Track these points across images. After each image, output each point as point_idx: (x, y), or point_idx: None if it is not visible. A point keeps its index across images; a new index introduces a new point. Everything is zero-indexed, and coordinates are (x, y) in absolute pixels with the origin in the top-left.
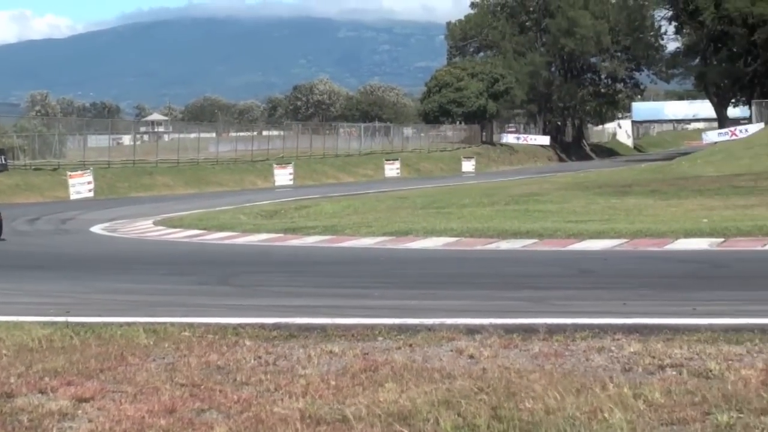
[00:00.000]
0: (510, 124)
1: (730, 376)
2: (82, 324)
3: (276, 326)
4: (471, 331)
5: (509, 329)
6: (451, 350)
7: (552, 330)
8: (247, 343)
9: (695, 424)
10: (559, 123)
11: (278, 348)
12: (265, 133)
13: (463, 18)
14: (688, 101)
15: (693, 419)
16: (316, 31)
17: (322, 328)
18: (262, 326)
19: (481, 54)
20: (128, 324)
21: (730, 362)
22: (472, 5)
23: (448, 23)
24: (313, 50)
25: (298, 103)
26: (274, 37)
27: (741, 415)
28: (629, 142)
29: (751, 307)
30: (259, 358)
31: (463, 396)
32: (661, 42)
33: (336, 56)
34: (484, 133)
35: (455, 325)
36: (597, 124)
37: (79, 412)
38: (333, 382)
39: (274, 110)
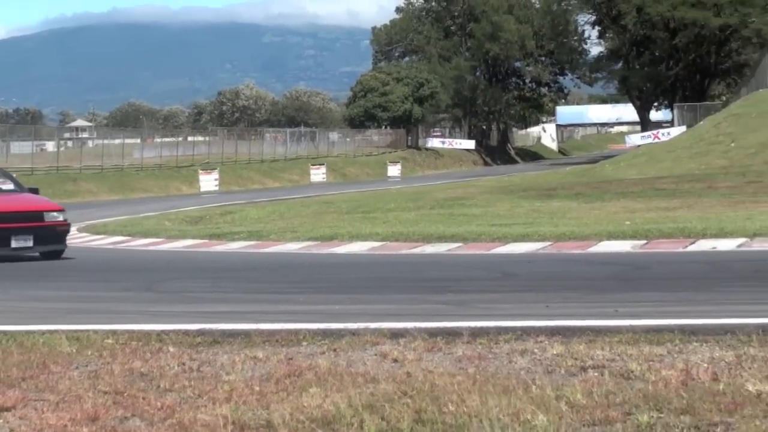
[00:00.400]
0: (435, 129)
1: (651, 377)
2: (4, 332)
3: (200, 332)
4: (395, 335)
5: (433, 333)
6: (375, 354)
7: (475, 333)
8: (171, 349)
9: (616, 425)
10: (484, 127)
11: (202, 354)
12: (190, 138)
13: (388, 23)
14: (612, 105)
15: (614, 420)
16: (241, 36)
17: (247, 334)
18: (186, 332)
19: (407, 59)
20: (51, 332)
21: (650, 363)
22: (398, 10)
23: (374, 28)
24: (239, 55)
25: (224, 108)
26: (198, 42)
27: (661, 415)
28: (554, 146)
29: (671, 308)
30: (183, 364)
31: (387, 400)
32: (585, 46)
33: (261, 61)
34: (409, 138)
35: (379, 330)
36: (522, 128)
37: (0, 421)
38: (257, 388)
39: (199, 116)
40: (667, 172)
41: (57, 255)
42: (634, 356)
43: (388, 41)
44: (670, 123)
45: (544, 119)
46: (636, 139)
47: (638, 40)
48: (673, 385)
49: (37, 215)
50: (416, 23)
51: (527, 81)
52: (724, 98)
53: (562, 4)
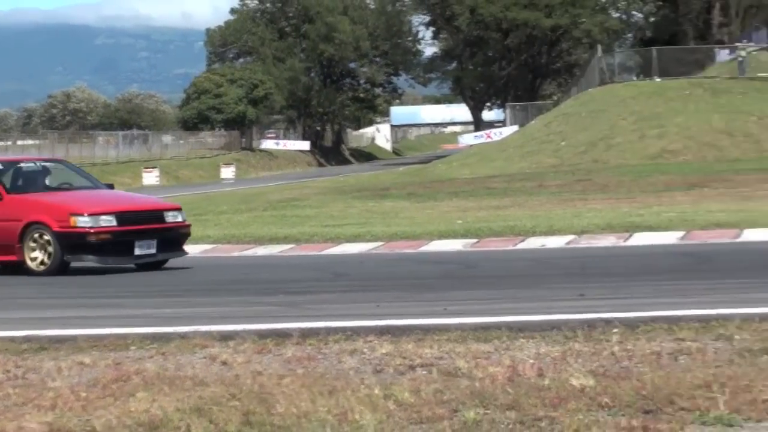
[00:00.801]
0: (270, 130)
1: (478, 374)
2: None
3: (26, 339)
4: (225, 337)
5: (263, 335)
6: (205, 357)
7: (305, 334)
8: None
9: (443, 422)
10: (318, 128)
11: (28, 361)
12: (20, 142)
13: (222, 24)
14: (446, 105)
15: (441, 417)
16: (73, 38)
17: (74, 340)
18: (12, 339)
19: (241, 60)
20: None
21: (478, 360)
22: (232, 11)
23: (208, 29)
24: (70, 58)
25: (54, 111)
26: (28, 44)
27: (487, 411)
28: (388, 146)
29: (500, 305)
30: (8, 371)
31: (215, 403)
32: (419, 47)
33: (93, 64)
34: (243, 140)
35: (209, 333)
36: (356, 129)
37: None
38: (83, 394)
39: (29, 119)
40: (499, 171)
41: (159, 266)
42: (461, 354)
43: (223, 43)
44: (503, 123)
45: (379, 120)
46: (469, 138)
47: (471, 40)
48: (499, 381)
49: (158, 215)
50: (251, 24)
51: (362, 82)
52: (555, 98)
53: (397, 5)
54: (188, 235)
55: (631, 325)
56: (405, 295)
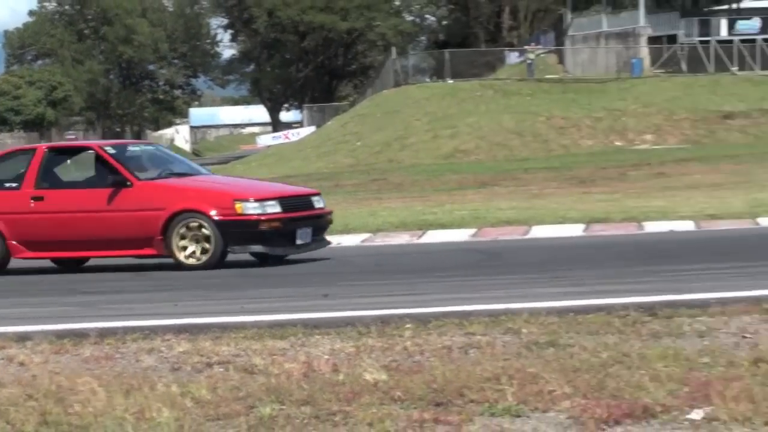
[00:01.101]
0: (70, 132)
1: (274, 370)
2: None
3: None
4: (22, 338)
5: (61, 335)
6: (1, 359)
7: (103, 333)
8: None
9: (240, 418)
10: (118, 129)
11: None
12: None
13: (21, 26)
14: (244, 106)
15: (238, 413)
16: None
17: None
18: None
19: (40, 62)
20: None
21: (274, 357)
22: (30, 13)
23: (6, 31)
24: None
25: None
26: None
27: (283, 407)
28: (187, 147)
29: (296, 303)
30: None
31: (12, 403)
32: (218, 49)
33: None
34: (43, 141)
35: (5, 333)
36: (155, 130)
37: None
38: None
39: None
40: (297, 171)
41: (279, 258)
42: (258, 351)
43: (21, 45)
44: (300, 123)
45: (178, 121)
46: (267, 139)
47: (269, 43)
48: (295, 377)
49: (309, 201)
50: (49, 26)
51: (161, 83)
52: (351, 99)
53: (195, 7)
54: (331, 222)
55: (423, 320)
56: (202, 293)
